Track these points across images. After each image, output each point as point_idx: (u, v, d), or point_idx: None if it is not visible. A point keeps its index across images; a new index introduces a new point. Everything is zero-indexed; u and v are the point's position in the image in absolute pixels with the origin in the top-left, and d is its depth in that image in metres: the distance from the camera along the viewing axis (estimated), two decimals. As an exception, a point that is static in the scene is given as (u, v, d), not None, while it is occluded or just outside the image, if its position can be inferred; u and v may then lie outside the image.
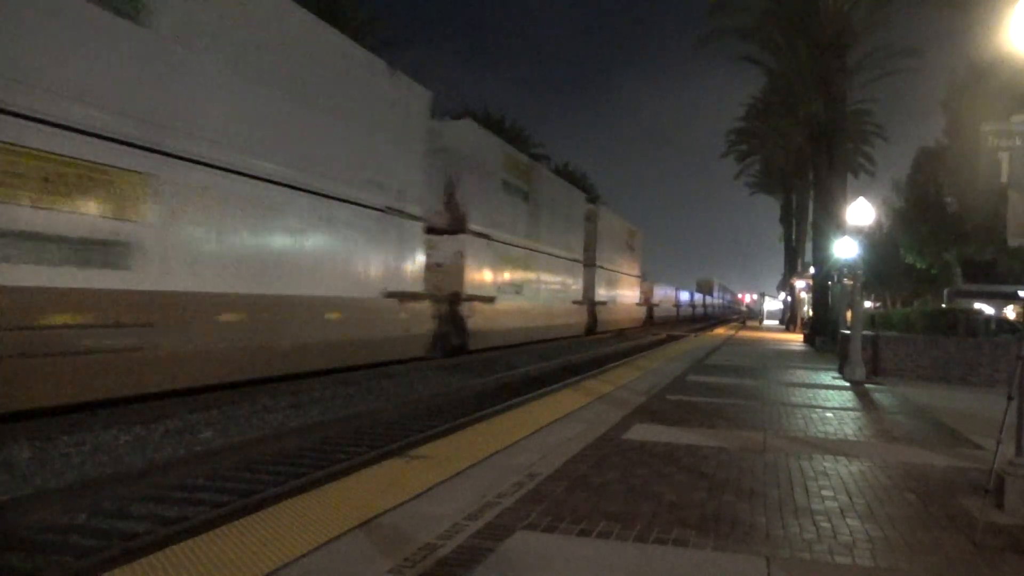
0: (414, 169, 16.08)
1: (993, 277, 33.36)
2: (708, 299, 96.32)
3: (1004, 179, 5.04)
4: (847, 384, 12.33)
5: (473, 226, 19.41)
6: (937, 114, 33.11)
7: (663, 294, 58.55)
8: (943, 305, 28.89)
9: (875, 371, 13.71)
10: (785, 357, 19.10)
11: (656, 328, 46.25)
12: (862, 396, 10.83)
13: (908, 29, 24.04)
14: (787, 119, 34.71)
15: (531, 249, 24.42)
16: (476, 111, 48.21)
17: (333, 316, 13.00)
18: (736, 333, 35.22)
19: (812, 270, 28.22)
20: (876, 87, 26.40)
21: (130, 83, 8.90)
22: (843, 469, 5.70)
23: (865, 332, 13.84)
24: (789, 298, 47.02)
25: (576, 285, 30.35)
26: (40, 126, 7.80)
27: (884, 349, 14.05)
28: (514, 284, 22.85)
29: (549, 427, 7.12)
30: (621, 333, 38.02)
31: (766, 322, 59.08)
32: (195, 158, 9.87)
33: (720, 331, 39.52)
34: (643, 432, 7.00)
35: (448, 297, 18.10)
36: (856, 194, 18.48)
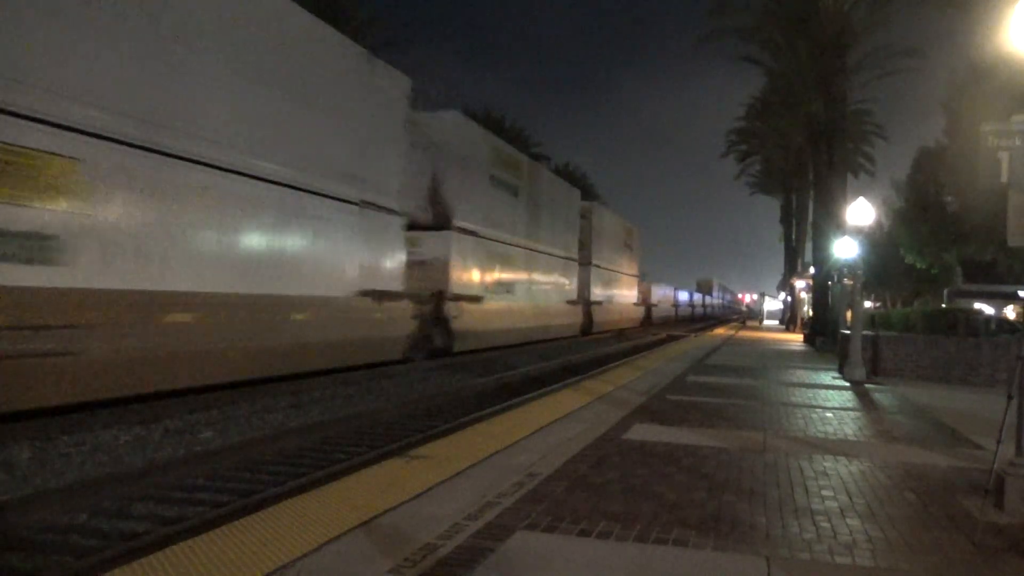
0: (394, 162, 15.38)
1: (993, 277, 33.37)
2: (708, 299, 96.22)
3: (1004, 179, 5.03)
4: (847, 384, 12.33)
5: (459, 222, 18.76)
6: (937, 114, 33.12)
7: (662, 294, 58.01)
8: (943, 305, 28.91)
9: (875, 371, 13.71)
10: (785, 357, 19.09)
11: (655, 328, 46.07)
12: (862, 396, 10.83)
13: (908, 29, 24.11)
14: (787, 119, 34.70)
15: (522, 247, 23.76)
16: (476, 111, 48.25)
17: (299, 316, 12.16)
18: (736, 333, 35.22)
19: (812, 270, 28.23)
20: (876, 87, 26.49)
21: (52, 55, 8.00)
22: (843, 469, 5.70)
23: (865, 332, 13.84)
24: (789, 298, 47.03)
25: (571, 284, 29.81)
26: None
27: (884, 349, 14.05)
28: (504, 283, 22.15)
29: (549, 427, 7.12)
30: (621, 333, 37.95)
31: (766, 322, 59.07)
32: (132, 141, 8.94)
33: (720, 331, 39.52)
34: (643, 432, 7.00)
35: (432, 296, 17.40)
36: (856, 194, 18.52)
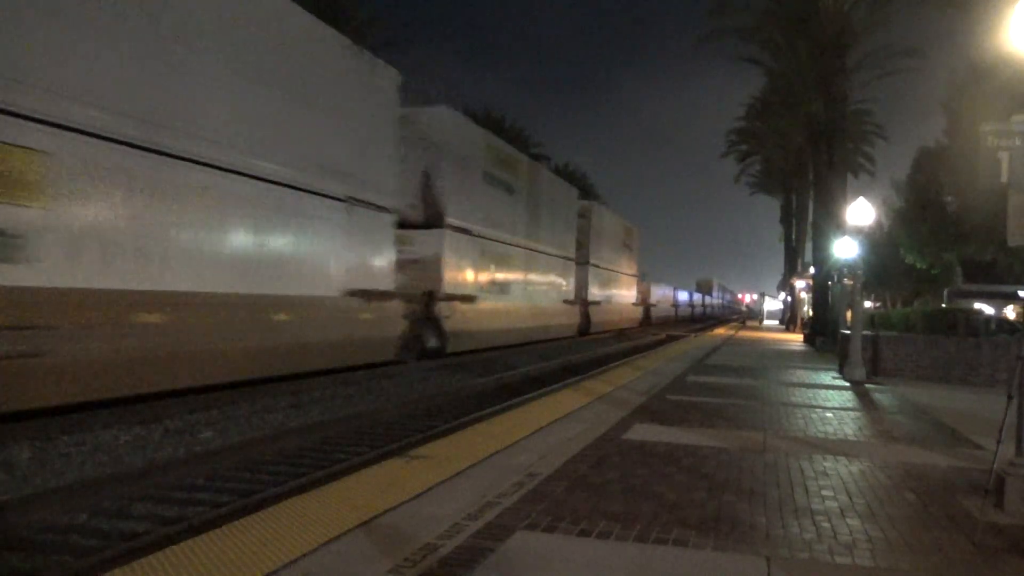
0: (383, 157, 14.86)
1: (993, 277, 33.37)
2: (707, 299, 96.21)
3: (1004, 179, 5.03)
4: (847, 384, 12.33)
5: (452, 220, 18.32)
6: (937, 114, 33.13)
7: (661, 294, 57.78)
8: (943, 305, 28.91)
9: (875, 371, 13.71)
10: (785, 357, 19.09)
11: (654, 329, 45.95)
12: (862, 396, 10.83)
13: (908, 29, 24.09)
14: (787, 119, 34.70)
15: (518, 246, 23.35)
16: (476, 111, 48.24)
17: (282, 317, 11.67)
18: (736, 333, 35.22)
19: (812, 270, 28.23)
20: (876, 87, 26.43)
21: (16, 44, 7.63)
22: (843, 469, 5.70)
23: (865, 332, 13.84)
24: (789, 298, 47.03)
25: (568, 284, 29.48)
26: None
27: (884, 349, 14.05)
28: (499, 282, 21.75)
29: (549, 427, 7.12)
30: (621, 333, 37.92)
31: (766, 322, 59.07)
32: (102, 133, 8.50)
33: (720, 331, 39.52)
34: (643, 432, 7.00)
35: (423, 296, 16.96)
36: (856, 194, 18.53)
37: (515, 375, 16.16)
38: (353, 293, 13.55)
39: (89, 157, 8.44)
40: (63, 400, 8.09)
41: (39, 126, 7.84)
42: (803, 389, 11.43)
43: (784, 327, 45.78)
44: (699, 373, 13.47)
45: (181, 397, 9.89)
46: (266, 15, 11.61)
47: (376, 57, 14.88)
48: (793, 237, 45.23)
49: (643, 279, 49.55)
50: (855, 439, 7.10)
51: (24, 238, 7.67)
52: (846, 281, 18.82)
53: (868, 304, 47.43)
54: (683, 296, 73.92)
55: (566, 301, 29.02)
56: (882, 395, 11.04)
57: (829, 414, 8.74)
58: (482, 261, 20.42)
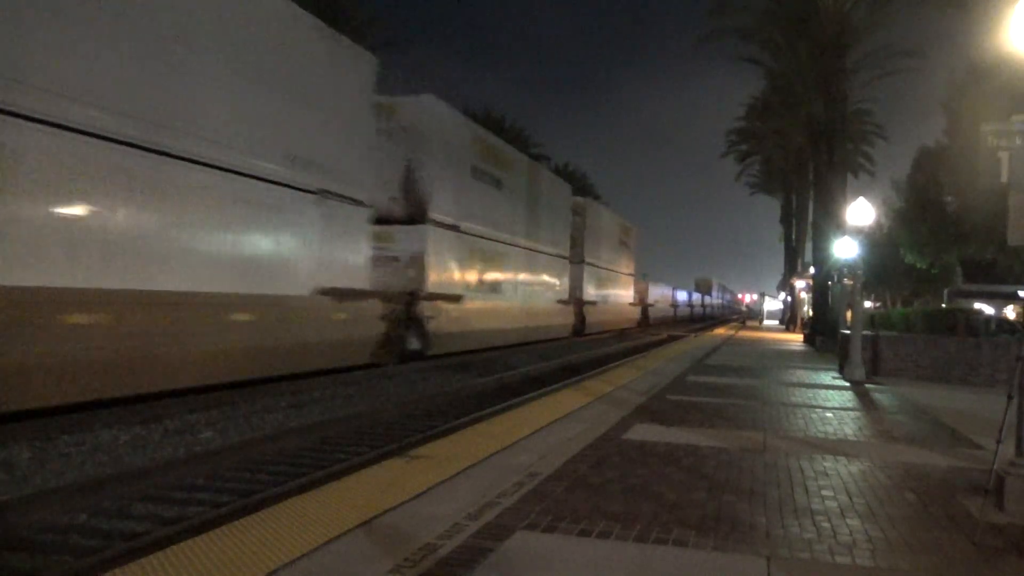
0: (358, 147, 13.96)
1: (993, 277, 33.35)
2: (707, 299, 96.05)
3: (1004, 179, 5.04)
4: (847, 384, 12.33)
5: (436, 215, 17.37)
6: (937, 114, 33.16)
7: (659, 293, 57.17)
8: (943, 305, 28.91)
9: (875, 371, 13.71)
10: (785, 357, 19.10)
11: (653, 329, 45.74)
12: (862, 396, 10.83)
13: (908, 29, 24.09)
14: (787, 119, 34.74)
15: (507, 243, 22.41)
16: (476, 111, 48.26)
17: (241, 317, 10.79)
18: (736, 333, 35.22)
19: (812, 270, 28.24)
20: (876, 87, 26.36)
21: None
22: (843, 469, 5.70)
23: (865, 332, 13.84)
24: (789, 298, 47.04)
25: (562, 283, 28.65)
26: None
27: (884, 349, 14.06)
28: (487, 281, 20.85)
29: (549, 427, 7.12)
30: (622, 333, 37.85)
31: (766, 322, 59.08)
32: (17, 111, 7.61)
33: (720, 331, 39.52)
34: (643, 432, 7.00)
35: (404, 295, 16.04)
36: (856, 194, 18.55)
37: (515, 375, 16.16)
38: (325, 292, 12.78)
39: None
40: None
41: None
42: (803, 389, 11.43)
43: (784, 327, 45.80)
44: (699, 373, 13.47)
45: (181, 397, 9.89)
46: None
47: (355, 44, 14.14)
48: (793, 237, 45.26)
49: (642, 279, 49.22)
50: (855, 439, 7.10)
51: None
52: (846, 281, 18.82)
53: (868, 304, 47.43)
54: (682, 296, 73.44)
55: (560, 301, 28.31)
56: (882, 395, 11.04)
57: (829, 414, 8.74)
58: (469, 259, 19.59)
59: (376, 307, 14.65)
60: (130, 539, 5.17)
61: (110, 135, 8.65)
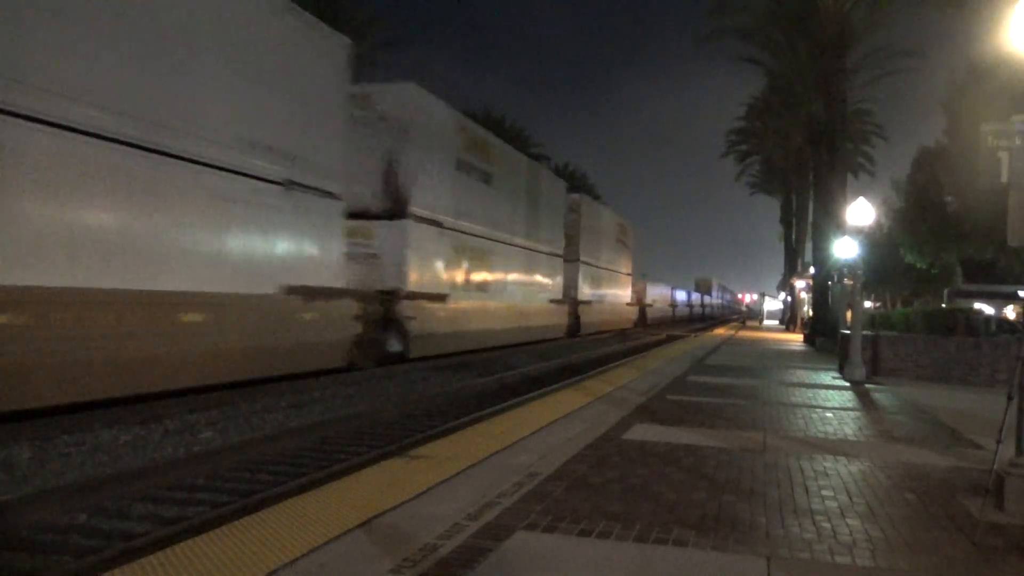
0: (330, 137, 13.07)
1: (993, 277, 33.36)
2: (707, 299, 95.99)
3: (1004, 179, 5.04)
4: (847, 384, 12.33)
5: (418, 210, 16.46)
6: (937, 114, 33.16)
7: (658, 293, 56.57)
8: (943, 305, 28.91)
9: (875, 371, 13.71)
10: (785, 357, 19.10)
11: (652, 329, 45.45)
12: (862, 396, 10.83)
13: (908, 29, 24.04)
14: (787, 119, 34.77)
15: (496, 240, 21.50)
16: (476, 111, 48.25)
17: (194, 318, 9.86)
18: (736, 333, 35.22)
19: (812, 270, 28.24)
20: (876, 87, 26.36)
21: None
22: (843, 469, 5.70)
23: (865, 332, 13.85)
24: (789, 298, 47.05)
25: (555, 282, 27.88)
26: None
27: (884, 349, 14.06)
28: (474, 280, 19.98)
29: (549, 427, 7.12)
30: (622, 333, 37.79)
31: (766, 322, 59.08)
32: None
33: (720, 331, 39.52)
34: (643, 432, 7.00)
35: (382, 295, 15.18)
36: (856, 194, 18.55)
37: (515, 375, 16.16)
38: (293, 290, 11.86)
39: None
40: None
41: None
42: (803, 389, 11.43)
43: (784, 327, 45.80)
44: (699, 373, 13.47)
45: (181, 397, 9.89)
46: None
47: (325, 25, 13.17)
48: (793, 237, 45.28)
49: (641, 278, 48.90)
50: (855, 439, 7.10)
51: None
52: (846, 281, 18.83)
53: (868, 304, 47.43)
54: (681, 296, 72.99)
55: (553, 300, 27.51)
56: (882, 395, 11.04)
57: (829, 414, 8.74)
58: (454, 256, 18.69)
59: (350, 307, 13.82)
60: (130, 539, 5.17)
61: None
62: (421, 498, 4.49)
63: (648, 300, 51.06)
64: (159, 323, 9.32)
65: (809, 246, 34.16)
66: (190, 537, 3.76)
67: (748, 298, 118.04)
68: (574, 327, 30.43)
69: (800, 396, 10.47)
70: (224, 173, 10.43)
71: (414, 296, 16.26)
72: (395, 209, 16.10)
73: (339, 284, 13.40)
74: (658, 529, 4.02)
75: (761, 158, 48.70)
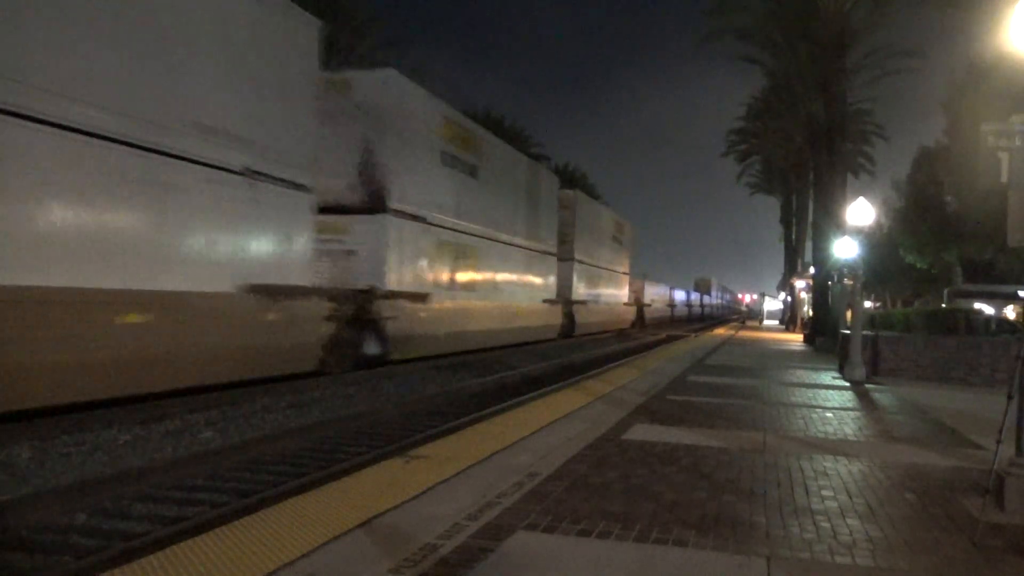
0: (298, 124, 12.14)
1: (993, 277, 33.38)
2: (706, 299, 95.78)
3: (1004, 179, 5.04)
4: (847, 384, 12.33)
5: (398, 204, 15.52)
6: (937, 114, 33.21)
7: (656, 293, 55.46)
8: (943, 305, 28.90)
9: (875, 371, 13.71)
10: (785, 357, 19.10)
11: (652, 329, 45.09)
12: (862, 396, 10.83)
13: (908, 29, 24.04)
14: (787, 119, 34.76)
15: (484, 237, 20.58)
16: (476, 111, 48.21)
17: (136, 319, 8.98)
18: (736, 333, 35.22)
19: (812, 270, 28.24)
20: (876, 87, 26.33)
21: None
22: (843, 469, 5.70)
23: (865, 332, 13.85)
24: (789, 298, 47.06)
25: (548, 281, 26.90)
26: None
27: (884, 349, 14.06)
28: (460, 278, 18.99)
29: (549, 427, 7.12)
30: (617, 334, 37.70)
31: (766, 322, 59.09)
32: None
33: (720, 331, 39.52)
34: (643, 432, 7.00)
35: (357, 293, 14.21)
36: (856, 194, 18.56)
37: (515, 375, 16.16)
38: (253, 289, 10.96)
39: None
40: None
41: None
42: (803, 389, 11.43)
43: (784, 327, 45.81)
44: (699, 373, 13.47)
45: (181, 397, 9.89)
46: None
47: (293, 4, 12.26)
48: (793, 237, 45.31)
49: (639, 278, 48.42)
50: (855, 439, 7.10)
51: None
52: (846, 281, 18.82)
53: (868, 304, 47.43)
54: (680, 296, 71.99)
55: (546, 300, 26.56)
56: (882, 395, 11.04)
57: (829, 414, 8.74)
58: (438, 254, 17.65)
59: (320, 307, 12.84)
60: (130, 539, 5.17)
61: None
62: (421, 498, 4.49)
63: (646, 300, 50.12)
64: (92, 325, 8.44)
65: (809, 246, 34.17)
66: (190, 537, 3.76)
67: (748, 298, 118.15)
68: (568, 328, 29.59)
69: (800, 396, 10.47)
70: (170, 159, 9.50)
71: (394, 295, 15.38)
72: (373, 203, 15.19)
73: (307, 282, 12.51)
74: (658, 529, 4.02)
75: (761, 158, 48.72)
